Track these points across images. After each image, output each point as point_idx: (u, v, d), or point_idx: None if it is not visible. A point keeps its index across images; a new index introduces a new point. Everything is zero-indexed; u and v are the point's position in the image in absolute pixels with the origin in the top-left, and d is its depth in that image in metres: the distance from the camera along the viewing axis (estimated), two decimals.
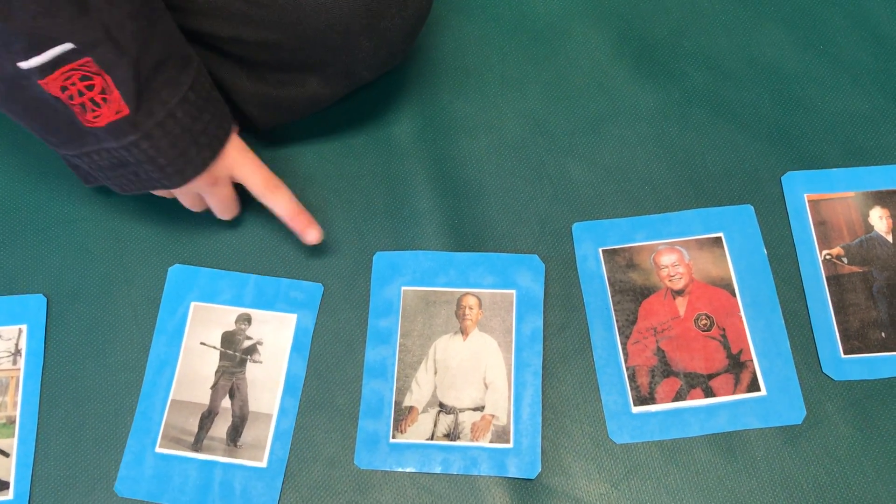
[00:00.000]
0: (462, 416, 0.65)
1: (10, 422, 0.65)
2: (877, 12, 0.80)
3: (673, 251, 0.70)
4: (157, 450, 0.64)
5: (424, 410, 0.65)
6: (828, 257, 0.69)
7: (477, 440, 0.64)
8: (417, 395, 0.65)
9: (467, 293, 0.69)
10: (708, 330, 0.67)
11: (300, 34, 0.60)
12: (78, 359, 0.67)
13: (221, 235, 0.71)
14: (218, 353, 0.67)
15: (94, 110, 0.54)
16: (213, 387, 0.66)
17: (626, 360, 0.66)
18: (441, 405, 0.65)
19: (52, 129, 0.58)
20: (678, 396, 0.65)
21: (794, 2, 0.81)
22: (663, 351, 0.66)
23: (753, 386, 0.65)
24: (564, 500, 0.62)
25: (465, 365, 0.66)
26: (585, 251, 0.70)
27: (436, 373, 0.66)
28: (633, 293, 0.68)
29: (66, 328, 0.68)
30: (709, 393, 0.65)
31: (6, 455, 0.64)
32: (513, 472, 0.63)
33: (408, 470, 0.63)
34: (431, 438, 0.64)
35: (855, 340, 0.66)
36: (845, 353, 0.66)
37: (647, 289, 0.68)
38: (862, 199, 0.71)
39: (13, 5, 0.48)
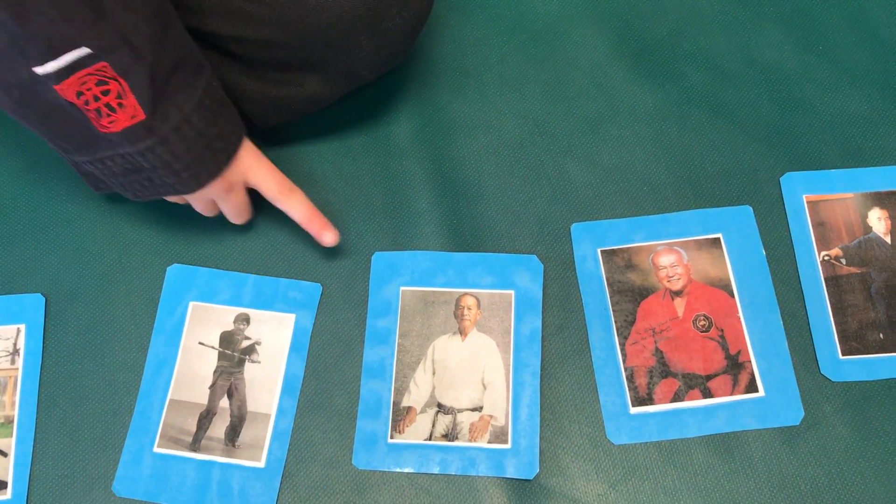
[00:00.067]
0: (460, 417, 0.65)
1: (9, 421, 0.65)
2: (876, 13, 0.80)
3: (671, 252, 0.70)
4: (156, 449, 0.64)
5: (423, 411, 0.65)
6: (826, 258, 0.69)
7: (475, 440, 0.64)
8: (416, 396, 0.65)
9: (466, 293, 0.69)
10: (706, 331, 0.67)
11: (301, 33, 0.60)
12: (76, 358, 0.67)
13: (220, 235, 0.71)
14: (216, 352, 0.67)
15: (109, 115, 0.54)
16: (212, 387, 0.66)
17: (624, 361, 0.66)
18: (439, 405, 0.65)
19: (65, 135, 0.57)
20: (676, 397, 0.65)
21: (793, 2, 0.81)
22: (662, 352, 0.66)
23: (751, 387, 0.65)
24: (562, 500, 0.62)
25: (464, 365, 0.66)
26: (584, 251, 0.70)
27: (434, 373, 0.66)
28: (631, 294, 0.68)
29: (64, 328, 0.68)
30: (707, 394, 0.65)
31: (4, 455, 0.64)
32: (511, 472, 0.63)
33: (406, 470, 0.63)
34: (429, 439, 0.64)
35: (853, 341, 0.66)
36: (843, 355, 0.66)
37: (646, 289, 0.68)
38: (861, 200, 0.71)
39: (30, 10, 0.48)
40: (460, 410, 0.65)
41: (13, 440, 0.64)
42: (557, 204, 0.72)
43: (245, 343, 0.67)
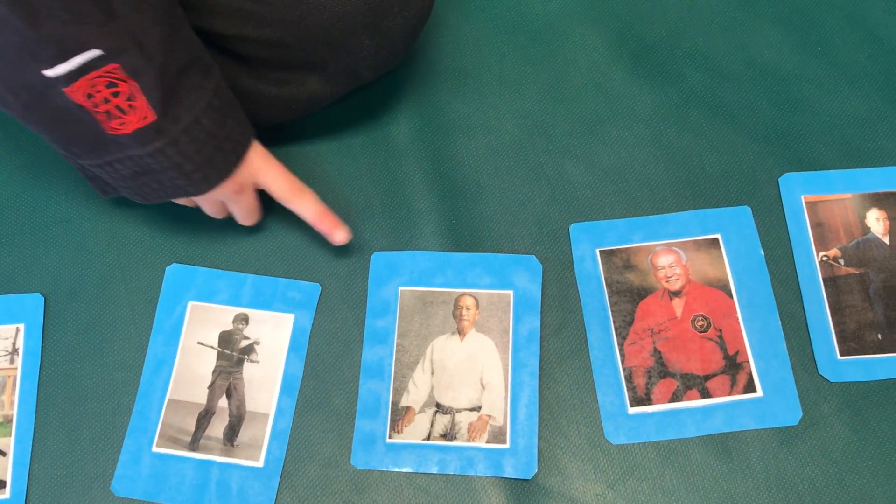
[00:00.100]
0: (459, 417, 0.65)
1: (7, 421, 0.65)
2: (875, 14, 0.80)
3: (670, 252, 0.70)
4: (154, 449, 0.64)
5: (421, 410, 0.65)
6: (825, 259, 0.69)
7: (473, 440, 0.64)
8: (414, 396, 0.65)
9: (464, 293, 0.69)
10: (705, 331, 0.67)
11: (302, 32, 0.60)
12: (75, 358, 0.67)
13: (219, 235, 0.71)
14: (215, 352, 0.67)
15: (119, 117, 0.54)
16: (211, 386, 0.66)
17: (622, 361, 0.66)
18: (438, 405, 0.65)
19: (74, 138, 0.57)
20: (674, 397, 0.65)
21: (792, 3, 0.81)
22: (660, 352, 0.66)
23: (750, 387, 0.65)
24: (560, 500, 0.62)
25: (462, 365, 0.66)
26: (583, 252, 0.70)
27: (433, 373, 0.66)
28: (630, 294, 0.68)
29: (63, 327, 0.68)
30: (705, 394, 0.65)
31: (3, 454, 0.64)
32: (509, 472, 0.63)
33: (404, 470, 0.63)
34: (428, 438, 0.64)
35: (851, 342, 0.66)
36: (841, 355, 0.66)
37: (644, 290, 0.69)
38: (859, 200, 0.71)
39: (41, 13, 0.48)
40: (459, 410, 0.65)
41: (12, 440, 0.64)
42: (556, 204, 0.72)
43: (244, 343, 0.67)
